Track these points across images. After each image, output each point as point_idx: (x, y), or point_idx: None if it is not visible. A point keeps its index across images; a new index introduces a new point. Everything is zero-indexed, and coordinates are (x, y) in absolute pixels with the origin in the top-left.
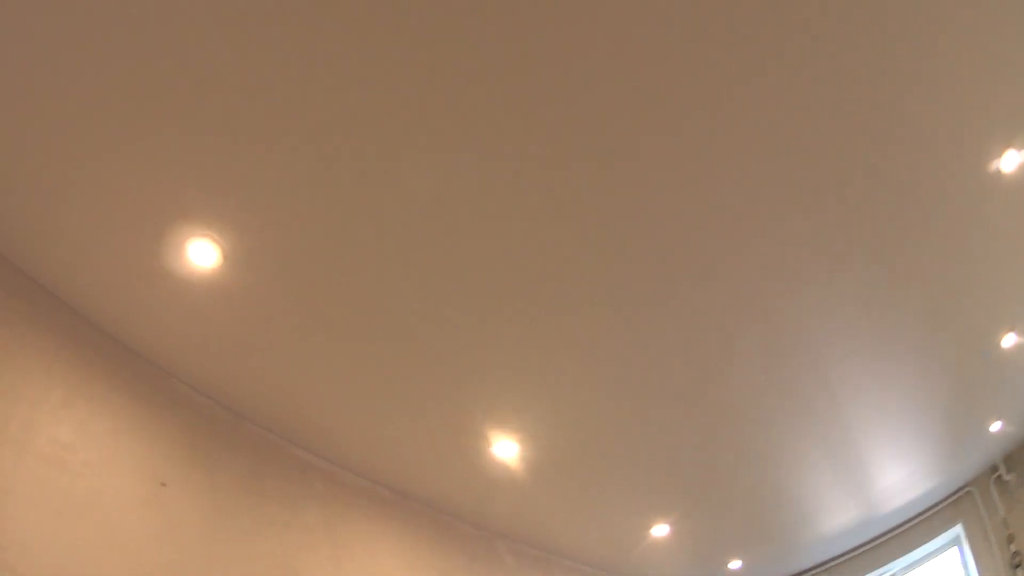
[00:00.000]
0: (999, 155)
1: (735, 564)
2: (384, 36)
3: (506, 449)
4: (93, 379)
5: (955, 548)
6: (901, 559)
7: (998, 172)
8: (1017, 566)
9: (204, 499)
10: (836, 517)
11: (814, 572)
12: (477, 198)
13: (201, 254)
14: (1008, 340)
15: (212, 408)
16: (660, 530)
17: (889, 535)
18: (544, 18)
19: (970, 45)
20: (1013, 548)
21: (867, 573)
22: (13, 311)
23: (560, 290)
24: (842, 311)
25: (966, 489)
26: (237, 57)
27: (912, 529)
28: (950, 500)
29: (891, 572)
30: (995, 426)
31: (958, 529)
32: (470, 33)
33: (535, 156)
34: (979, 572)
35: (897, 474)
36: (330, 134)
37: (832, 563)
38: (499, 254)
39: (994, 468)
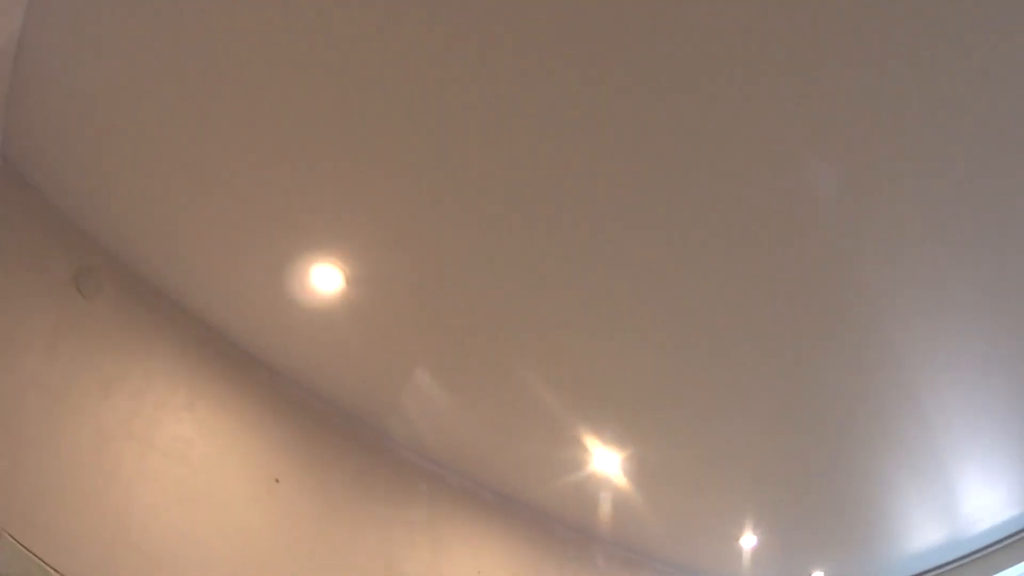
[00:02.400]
0: None
1: (818, 574)
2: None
3: (607, 459)
4: (214, 382)
5: None
6: None
7: None
8: None
9: (315, 495)
10: (922, 534)
11: None
12: (604, 214)
13: (325, 279)
14: None
15: (327, 411)
16: (748, 540)
17: (975, 555)
18: None
19: None
20: None
21: None
22: (144, 321)
23: (668, 316)
24: (944, 339)
25: None
26: (365, 87)
27: (999, 552)
28: None
29: None
30: None
31: None
32: None
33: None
34: None
35: (987, 497)
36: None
37: None
38: (623, 278)
39: None
